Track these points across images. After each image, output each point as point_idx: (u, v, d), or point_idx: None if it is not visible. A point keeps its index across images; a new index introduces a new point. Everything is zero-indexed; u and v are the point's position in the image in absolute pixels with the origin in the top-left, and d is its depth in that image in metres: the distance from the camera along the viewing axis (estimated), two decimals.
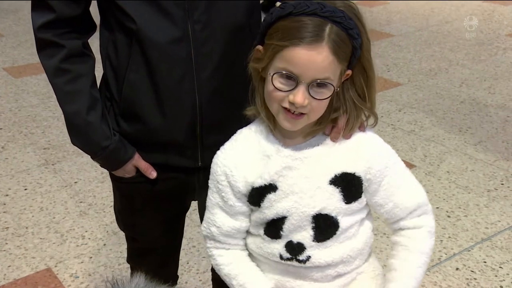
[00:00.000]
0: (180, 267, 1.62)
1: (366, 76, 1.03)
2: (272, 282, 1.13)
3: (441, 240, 2.29)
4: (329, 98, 1.01)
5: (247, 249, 1.17)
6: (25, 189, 2.69)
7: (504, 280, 2.08)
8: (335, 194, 1.05)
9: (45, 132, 3.25)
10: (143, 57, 1.15)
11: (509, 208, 2.50)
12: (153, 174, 1.27)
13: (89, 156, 1.28)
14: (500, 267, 2.14)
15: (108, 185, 2.61)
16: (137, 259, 1.50)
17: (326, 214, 1.06)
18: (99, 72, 1.24)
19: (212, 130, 1.23)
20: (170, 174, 1.29)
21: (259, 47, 1.03)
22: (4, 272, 2.13)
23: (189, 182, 1.32)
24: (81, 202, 2.58)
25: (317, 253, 1.07)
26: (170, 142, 1.24)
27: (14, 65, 4.30)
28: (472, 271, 2.12)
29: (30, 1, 1.16)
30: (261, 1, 1.26)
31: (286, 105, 0.99)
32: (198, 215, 1.49)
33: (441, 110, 3.48)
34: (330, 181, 1.05)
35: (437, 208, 2.51)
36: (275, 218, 1.08)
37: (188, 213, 1.46)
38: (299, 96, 0.96)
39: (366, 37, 1.00)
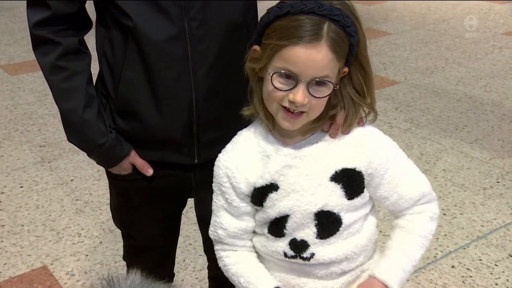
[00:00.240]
0: (176, 265, 1.62)
1: (364, 73, 1.04)
2: (278, 280, 1.13)
3: (437, 238, 2.30)
4: (328, 96, 1.01)
5: (255, 250, 1.17)
6: (21, 187, 2.68)
7: (499, 277, 2.08)
8: (336, 190, 1.05)
9: (41, 129, 3.24)
10: (139, 54, 1.15)
11: (505, 206, 2.51)
12: (149, 171, 1.27)
13: (86, 154, 1.27)
14: (495, 264, 2.15)
15: (104, 183, 2.61)
16: (133, 256, 1.50)
17: (329, 211, 1.06)
18: (95, 69, 1.23)
19: (208, 128, 1.23)
20: (166, 171, 1.29)
21: (256, 47, 1.03)
22: None
23: (186, 179, 1.32)
24: (77, 199, 2.58)
25: (321, 250, 1.08)
26: (166, 140, 1.24)
27: (10, 62, 4.28)
28: (468, 269, 2.13)
29: None
30: None
31: (286, 104, 0.99)
32: (194, 213, 1.49)
33: (438, 108, 3.49)
34: (330, 177, 1.05)
35: None
36: (278, 217, 1.08)
37: (184, 211, 1.46)
38: (299, 95, 0.97)
39: (362, 34, 1.01)
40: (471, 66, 4.14)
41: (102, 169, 1.37)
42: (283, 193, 1.06)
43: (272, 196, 1.07)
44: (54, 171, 2.81)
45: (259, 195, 1.08)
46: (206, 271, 1.64)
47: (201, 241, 1.54)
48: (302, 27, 0.95)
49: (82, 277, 2.09)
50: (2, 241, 2.29)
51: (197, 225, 1.51)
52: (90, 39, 1.23)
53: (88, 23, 1.23)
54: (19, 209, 2.51)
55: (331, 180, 1.05)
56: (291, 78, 0.97)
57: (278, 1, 1.01)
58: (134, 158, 1.26)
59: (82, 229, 2.37)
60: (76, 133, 1.23)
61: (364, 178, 1.07)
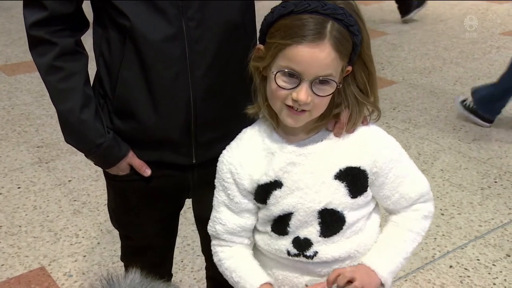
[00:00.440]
0: (174, 266, 1.61)
1: (367, 72, 1.05)
2: (281, 279, 1.13)
3: (435, 238, 2.30)
4: (332, 95, 1.02)
5: (253, 248, 1.18)
6: (19, 188, 2.67)
7: (497, 277, 2.09)
8: (340, 188, 1.06)
9: (39, 130, 3.24)
10: (136, 54, 1.15)
11: (502, 206, 2.52)
12: (147, 172, 1.27)
13: (83, 154, 1.27)
14: (493, 264, 2.15)
15: (102, 184, 2.60)
16: (131, 257, 1.50)
17: (332, 209, 1.06)
18: (92, 70, 1.23)
19: (206, 128, 1.23)
20: (164, 172, 1.28)
21: (260, 46, 1.04)
22: None
23: (184, 180, 1.32)
24: (75, 200, 2.57)
25: (324, 248, 1.08)
26: (164, 140, 1.24)
27: (8, 63, 4.27)
28: (466, 269, 2.13)
29: None
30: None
31: (289, 102, 1.00)
32: (192, 214, 1.49)
33: (435, 108, 3.49)
34: (334, 176, 1.06)
35: None
36: (281, 214, 1.08)
37: (182, 211, 1.46)
38: (302, 93, 0.97)
39: (366, 33, 1.02)
40: (468, 66, 4.14)
41: (99, 169, 1.36)
42: (287, 190, 1.07)
43: (276, 193, 1.07)
44: (51, 171, 2.80)
45: (263, 192, 1.09)
46: (204, 271, 1.64)
47: (199, 242, 1.54)
48: (305, 26, 0.95)
49: (79, 278, 2.09)
50: (0, 242, 2.28)
51: (195, 225, 1.51)
52: (88, 39, 1.22)
53: (85, 23, 1.22)
54: (17, 210, 2.50)
55: (335, 178, 1.06)
56: (295, 76, 0.98)
57: (275, 1, 1.02)
58: (132, 159, 1.26)
59: (80, 230, 2.37)
60: (74, 133, 1.23)
61: (368, 177, 1.07)
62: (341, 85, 1.02)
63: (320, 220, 1.07)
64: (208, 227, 1.18)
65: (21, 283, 2.06)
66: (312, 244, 1.08)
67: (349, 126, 1.07)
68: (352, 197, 1.06)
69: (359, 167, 1.06)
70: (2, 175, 2.78)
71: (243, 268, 1.13)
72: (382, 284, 1.08)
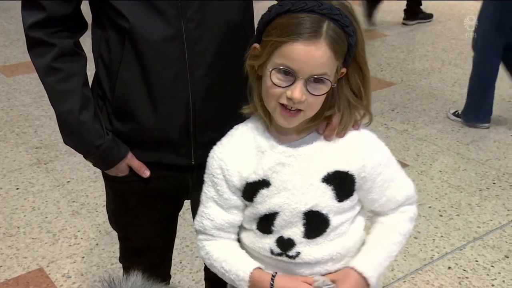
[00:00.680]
0: (173, 267, 1.61)
1: (362, 75, 1.05)
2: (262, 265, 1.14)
3: (434, 239, 2.30)
4: (326, 94, 1.02)
5: (239, 244, 1.18)
6: (17, 189, 2.67)
7: (495, 279, 2.09)
8: (327, 192, 1.06)
9: (37, 131, 3.23)
10: (136, 55, 1.15)
11: (501, 207, 2.52)
12: (146, 173, 1.27)
13: (82, 156, 1.27)
14: (491, 266, 2.15)
15: (100, 185, 2.60)
16: (129, 258, 1.49)
17: (318, 211, 1.07)
18: (91, 71, 1.23)
19: (205, 128, 1.23)
20: (163, 173, 1.28)
21: (256, 45, 1.04)
22: None
23: (183, 181, 1.32)
24: (73, 201, 2.57)
25: (307, 249, 1.08)
26: (163, 141, 1.24)
27: (6, 64, 4.27)
28: (464, 270, 2.13)
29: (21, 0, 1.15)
30: None
31: (284, 101, 1.00)
32: (191, 215, 1.49)
33: (434, 109, 3.50)
34: (322, 178, 1.06)
35: (430, 207, 2.52)
36: (267, 213, 1.09)
37: (181, 213, 1.46)
38: (297, 91, 0.98)
39: (361, 35, 1.02)
40: (467, 67, 4.14)
41: (98, 171, 1.36)
42: (274, 190, 1.07)
43: (263, 192, 1.08)
44: (50, 173, 2.80)
45: (251, 190, 1.09)
46: (203, 273, 1.64)
47: None
48: (302, 24, 0.96)
49: (78, 279, 2.08)
50: None
51: (194, 226, 1.51)
52: (87, 40, 1.22)
53: (83, 24, 1.22)
54: (15, 211, 2.50)
55: (323, 181, 1.06)
56: (290, 74, 0.98)
57: (274, 1, 1.02)
58: (131, 160, 1.26)
59: (79, 231, 2.36)
60: (73, 135, 1.23)
61: (355, 182, 1.08)
62: (335, 85, 1.03)
63: (304, 222, 1.07)
64: (195, 222, 1.18)
65: (20, 284, 2.06)
66: (295, 244, 1.08)
67: (340, 129, 1.07)
68: (338, 201, 1.07)
69: (348, 171, 1.07)
70: (1, 176, 2.77)
71: (233, 257, 1.13)
72: (368, 285, 1.09)
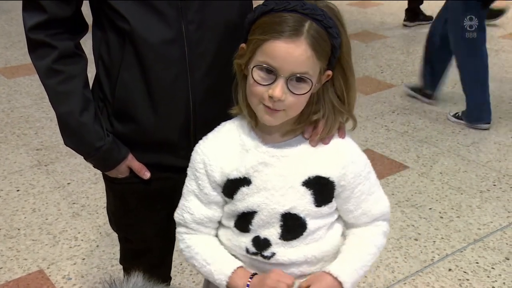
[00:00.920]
0: (173, 269, 1.61)
1: (345, 78, 1.06)
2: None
3: (434, 241, 2.30)
4: (308, 94, 1.03)
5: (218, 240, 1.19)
6: (18, 190, 2.67)
7: (496, 281, 2.09)
8: (306, 195, 1.07)
9: (38, 133, 3.24)
10: (136, 57, 1.15)
11: (501, 209, 2.52)
12: (146, 174, 1.27)
13: (82, 157, 1.27)
14: (492, 267, 2.15)
15: (101, 186, 2.60)
16: (130, 260, 1.49)
17: (295, 214, 1.08)
18: (92, 73, 1.23)
19: (206, 130, 1.23)
20: (163, 174, 1.29)
21: (243, 44, 1.06)
22: None
23: (183, 182, 1.32)
24: (74, 203, 2.57)
25: (282, 251, 1.09)
26: (163, 142, 1.24)
27: (7, 65, 4.28)
28: (465, 272, 2.13)
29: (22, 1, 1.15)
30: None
31: (266, 101, 1.01)
32: None
33: (434, 111, 3.50)
34: (303, 182, 1.07)
35: (430, 209, 2.52)
36: (245, 211, 1.10)
37: None
38: (278, 89, 0.99)
39: (346, 39, 1.03)
40: None
41: (99, 172, 1.36)
42: (254, 189, 1.08)
43: (244, 190, 1.09)
44: (50, 174, 2.80)
45: (232, 186, 1.10)
46: None
47: None
48: (284, 23, 0.98)
49: (78, 281, 2.08)
50: None
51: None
52: (87, 42, 1.23)
53: (84, 26, 1.23)
54: (16, 212, 2.50)
55: (303, 185, 1.07)
56: (272, 72, 1.00)
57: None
58: (131, 161, 1.26)
59: (79, 232, 2.36)
60: (73, 136, 1.23)
61: (335, 189, 1.09)
62: (317, 84, 1.04)
63: (282, 223, 1.08)
64: (176, 215, 1.18)
65: (20, 286, 2.06)
66: (271, 245, 1.09)
67: (324, 133, 1.08)
68: (316, 206, 1.08)
69: (329, 178, 1.08)
70: (1, 177, 2.78)
71: (216, 253, 1.14)
72: None
